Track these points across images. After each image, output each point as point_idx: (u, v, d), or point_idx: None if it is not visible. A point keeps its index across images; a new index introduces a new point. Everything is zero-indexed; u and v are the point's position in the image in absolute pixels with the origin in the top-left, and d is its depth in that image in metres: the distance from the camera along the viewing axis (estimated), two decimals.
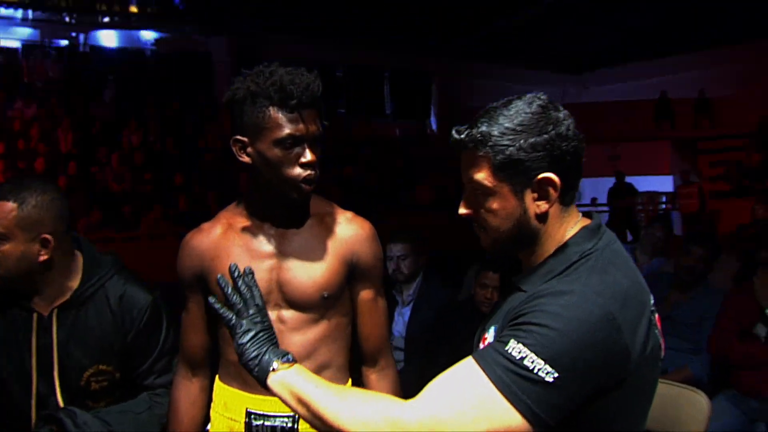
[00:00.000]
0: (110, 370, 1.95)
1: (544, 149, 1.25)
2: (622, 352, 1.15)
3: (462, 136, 1.31)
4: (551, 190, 1.28)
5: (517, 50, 17.11)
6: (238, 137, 1.64)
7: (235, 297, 1.45)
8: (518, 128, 1.25)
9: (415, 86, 18.18)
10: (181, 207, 10.61)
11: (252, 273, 1.50)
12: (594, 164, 15.57)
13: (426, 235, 4.25)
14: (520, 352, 1.11)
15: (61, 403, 1.91)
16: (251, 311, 1.43)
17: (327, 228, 1.76)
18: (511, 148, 1.25)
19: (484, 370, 1.13)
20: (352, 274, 1.78)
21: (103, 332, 1.93)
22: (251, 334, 1.40)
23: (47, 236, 1.83)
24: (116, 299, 1.94)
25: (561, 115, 1.28)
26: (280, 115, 1.58)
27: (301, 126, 1.60)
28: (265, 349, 1.38)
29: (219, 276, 1.49)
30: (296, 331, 1.72)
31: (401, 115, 17.95)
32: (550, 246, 1.31)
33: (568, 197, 1.32)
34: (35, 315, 1.89)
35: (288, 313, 1.72)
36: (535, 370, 1.09)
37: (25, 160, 10.84)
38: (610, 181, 14.94)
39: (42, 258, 1.83)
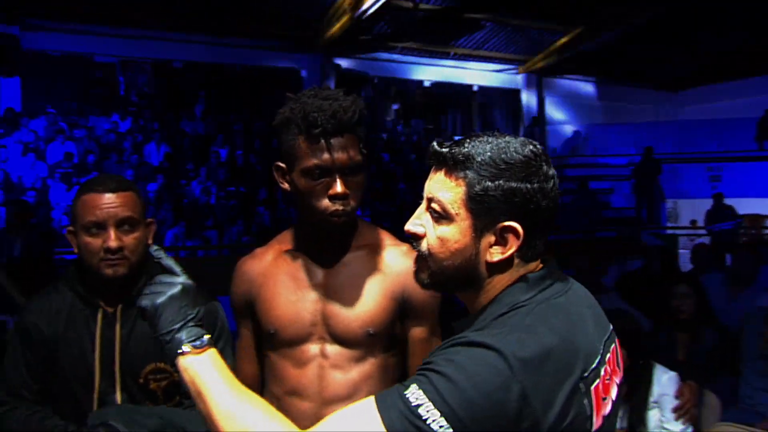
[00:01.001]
0: (168, 369, 1.90)
1: (522, 198, 1.14)
2: (525, 421, 1.03)
3: (444, 150, 1.19)
4: (512, 241, 1.16)
5: (609, 68, 16.68)
6: (279, 164, 1.62)
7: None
8: (503, 166, 1.14)
9: (504, 103, 17.93)
10: (265, 222, 10.70)
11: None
12: (692, 185, 14.94)
13: None
14: (417, 399, 1.02)
15: (120, 401, 1.89)
16: (174, 285, 1.30)
17: (378, 261, 1.70)
18: (488, 183, 1.14)
19: (380, 412, 1.04)
20: (402, 311, 1.70)
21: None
22: (170, 313, 1.27)
23: (152, 222, 1.92)
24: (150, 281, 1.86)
25: (550, 172, 1.18)
26: (307, 144, 1.53)
27: (326, 156, 1.52)
28: (177, 329, 1.25)
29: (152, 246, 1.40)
30: (338, 368, 1.66)
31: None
32: (492, 295, 1.20)
33: (529, 253, 1.19)
34: (100, 311, 1.89)
35: (332, 348, 1.66)
36: (428, 421, 1.00)
37: (119, 172, 11.19)
38: (708, 203, 14.21)
39: (149, 243, 1.88)
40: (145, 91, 14.23)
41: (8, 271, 2.21)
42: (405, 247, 1.71)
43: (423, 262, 1.22)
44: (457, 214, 1.17)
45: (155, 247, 1.38)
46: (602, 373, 1.15)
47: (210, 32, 13.76)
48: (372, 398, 1.07)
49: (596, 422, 1.12)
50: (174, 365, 1.24)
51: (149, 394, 1.90)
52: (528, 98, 17.95)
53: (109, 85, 14.08)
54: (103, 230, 1.80)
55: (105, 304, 1.90)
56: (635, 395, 3.14)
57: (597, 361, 1.14)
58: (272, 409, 1.16)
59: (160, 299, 1.28)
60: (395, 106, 16.49)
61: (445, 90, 17.11)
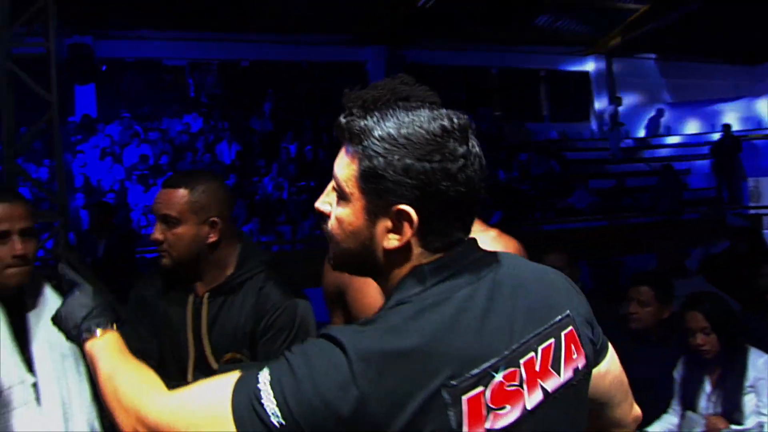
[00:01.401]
0: (242, 357, 1.94)
1: (418, 179, 1.01)
2: (363, 425, 0.92)
3: (343, 122, 1.07)
4: (406, 228, 1.04)
5: (684, 42, 16.09)
6: None
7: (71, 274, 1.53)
8: (401, 140, 1.02)
9: (574, 87, 17.47)
10: None
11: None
12: None
13: (584, 242, 4.08)
14: (264, 384, 0.96)
15: None
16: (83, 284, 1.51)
17: None
18: (380, 159, 1.02)
19: (234, 390, 0.98)
20: None
21: (241, 321, 1.95)
22: (79, 304, 1.46)
23: (215, 219, 1.93)
24: (257, 291, 1.95)
25: (460, 150, 1.03)
26: None
27: None
28: (86, 317, 1.44)
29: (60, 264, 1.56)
30: None
31: (559, 118, 17.31)
32: (393, 285, 1.09)
33: (435, 242, 1.06)
34: (191, 296, 1.99)
35: None
36: (267, 410, 0.94)
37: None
38: None
39: (211, 239, 1.93)
40: (214, 92, 14.49)
41: (93, 272, 2.24)
42: (494, 232, 1.64)
43: (329, 242, 1.13)
44: (351, 193, 1.07)
45: (61, 265, 1.55)
46: (497, 379, 1.00)
47: (275, 30, 13.90)
48: (238, 373, 1.02)
49: None
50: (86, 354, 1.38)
51: None
52: (598, 80, 17.51)
53: (180, 87, 14.40)
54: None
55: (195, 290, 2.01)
56: (729, 380, 3.01)
57: (485, 366, 0.99)
58: (147, 372, 1.21)
59: (62, 306, 1.48)
60: (462, 95, 16.34)
61: (512, 76, 16.84)
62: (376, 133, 1.04)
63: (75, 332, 1.43)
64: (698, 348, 3.05)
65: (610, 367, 1.24)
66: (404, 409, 0.93)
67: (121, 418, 1.13)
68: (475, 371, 0.97)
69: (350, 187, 1.06)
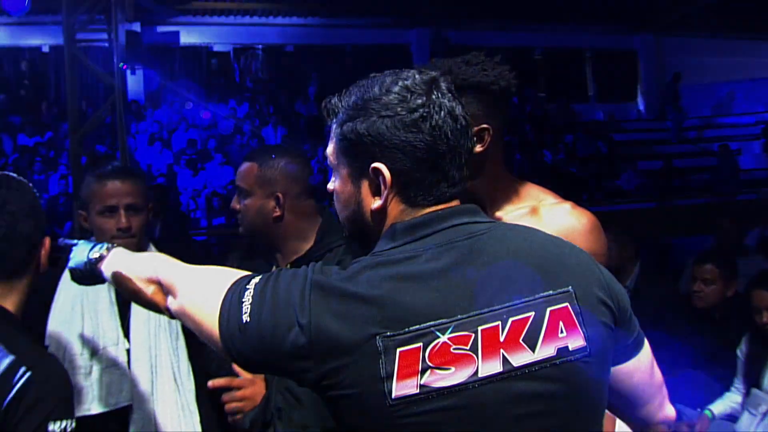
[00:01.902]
0: None
1: (380, 135, 1.08)
2: (303, 348, 1.03)
3: (322, 106, 1.20)
4: (383, 185, 1.11)
5: (730, 21, 15.67)
6: None
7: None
8: (361, 105, 1.11)
9: (621, 66, 17.17)
10: None
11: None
12: None
13: (633, 224, 4.07)
14: (251, 286, 1.11)
15: None
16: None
17: (538, 220, 1.60)
18: (347, 125, 1.12)
19: (234, 282, 1.14)
20: None
21: None
22: (85, 246, 1.59)
23: (279, 194, 1.96)
24: (337, 263, 1.95)
25: (420, 101, 1.09)
26: None
27: None
28: (96, 246, 1.57)
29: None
30: None
31: (605, 98, 17.05)
32: None
33: (418, 198, 1.11)
34: (273, 268, 2.02)
35: None
36: (243, 306, 1.09)
37: (239, 155, 11.56)
38: None
39: (275, 214, 1.96)
40: (259, 77, 14.61)
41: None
42: (569, 204, 1.63)
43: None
44: (337, 165, 1.17)
45: (61, 239, 1.70)
46: (442, 339, 1.01)
47: (319, 14, 13.95)
48: (245, 274, 1.17)
49: (398, 387, 0.99)
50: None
51: None
52: (645, 59, 17.19)
53: (225, 72, 14.55)
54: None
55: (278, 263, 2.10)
56: None
57: (428, 325, 1.01)
58: (161, 255, 1.40)
59: (70, 258, 1.61)
60: None
61: (557, 56, 16.63)
62: (344, 103, 1.15)
63: (88, 267, 1.55)
64: (764, 326, 3.03)
65: (641, 364, 1.22)
66: (340, 347, 1.01)
67: (146, 288, 1.35)
68: (415, 327, 1.01)
69: (334, 159, 1.17)
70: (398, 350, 1.00)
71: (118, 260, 1.49)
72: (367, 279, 1.04)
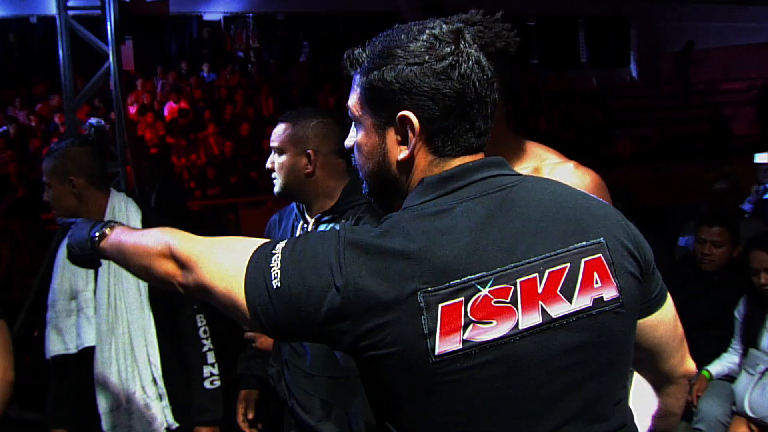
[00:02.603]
0: None
1: (408, 83, 1.06)
2: (340, 308, 1.01)
3: (345, 56, 1.16)
4: (410, 134, 1.09)
5: None
6: None
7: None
8: (388, 53, 1.09)
9: (613, 33, 17.08)
10: None
11: (122, 195, 1.81)
12: None
13: (627, 190, 4.06)
14: (277, 250, 1.09)
15: None
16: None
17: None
18: (373, 74, 1.09)
19: (258, 248, 1.12)
20: None
21: None
22: (85, 225, 1.56)
23: (311, 151, 2.10)
24: (355, 219, 2.12)
25: (449, 49, 1.07)
26: None
27: None
28: (96, 225, 1.52)
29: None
30: None
31: (598, 64, 16.98)
32: None
33: (446, 148, 1.10)
34: (301, 223, 2.22)
35: None
36: (272, 270, 1.07)
37: (232, 124, 11.51)
38: None
39: (307, 171, 2.10)
40: (250, 45, 14.46)
41: (149, 215, 2.51)
42: (572, 163, 1.63)
43: (361, 175, 1.21)
44: (360, 116, 1.14)
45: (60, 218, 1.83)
46: (483, 293, 1.00)
47: None
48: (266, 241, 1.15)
49: (441, 343, 0.99)
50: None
51: None
52: (638, 26, 17.11)
53: (216, 41, 14.39)
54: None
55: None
56: None
57: (469, 278, 1.00)
58: (174, 230, 1.31)
59: (69, 235, 1.59)
60: None
61: (550, 23, 16.52)
62: (368, 52, 1.12)
63: (88, 244, 1.51)
64: (762, 287, 3.06)
65: (665, 317, 1.23)
66: (379, 305, 0.99)
67: (158, 263, 1.26)
68: (456, 281, 1.00)
69: (358, 110, 1.14)
70: (440, 305, 0.99)
71: (124, 237, 1.42)
72: (402, 233, 1.03)
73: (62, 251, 2.34)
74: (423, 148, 1.10)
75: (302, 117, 2.14)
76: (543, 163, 1.64)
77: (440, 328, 0.99)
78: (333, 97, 12.61)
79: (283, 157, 2.12)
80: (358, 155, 1.18)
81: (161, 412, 2.36)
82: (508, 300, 1.01)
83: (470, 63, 1.07)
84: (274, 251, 1.08)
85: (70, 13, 4.51)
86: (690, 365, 1.33)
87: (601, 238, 1.09)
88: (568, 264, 1.06)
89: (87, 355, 2.34)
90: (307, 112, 2.16)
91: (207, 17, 14.37)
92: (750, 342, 3.13)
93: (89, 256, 1.55)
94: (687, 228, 4.69)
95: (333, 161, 2.15)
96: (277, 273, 1.05)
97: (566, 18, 16.80)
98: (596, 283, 1.06)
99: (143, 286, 2.35)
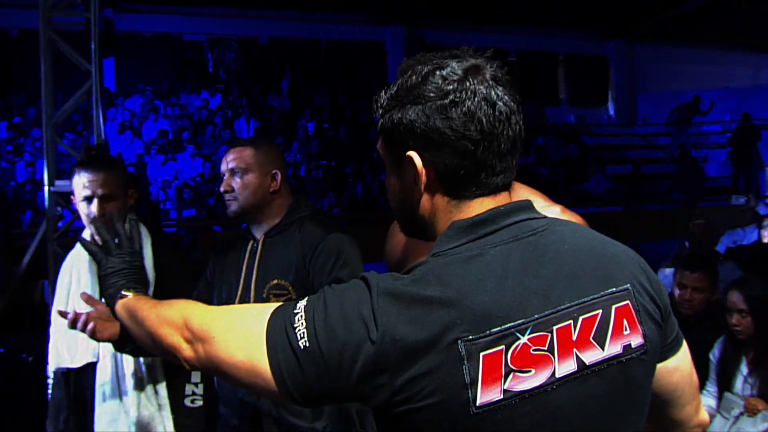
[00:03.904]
0: (287, 286, 2.25)
1: (410, 123, 1.05)
2: (376, 362, 0.96)
3: (374, 100, 1.15)
4: (415, 174, 1.07)
5: (702, 30, 15.94)
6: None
7: (107, 236, 1.60)
8: (398, 95, 1.08)
9: (592, 71, 17.36)
10: (357, 194, 10.76)
11: (136, 220, 1.63)
12: None
13: (600, 228, 4.08)
14: (299, 309, 1.04)
15: None
16: (123, 252, 1.58)
17: None
18: (386, 117, 1.09)
19: (274, 311, 1.07)
20: None
21: (288, 254, 2.27)
22: (115, 268, 1.54)
23: (277, 171, 2.29)
24: (302, 228, 2.30)
25: (451, 87, 1.04)
26: None
27: None
28: (122, 281, 1.51)
29: (95, 219, 1.72)
30: None
31: (577, 102, 17.22)
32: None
33: (458, 187, 1.08)
34: (251, 242, 2.34)
35: None
36: (296, 331, 1.01)
37: (211, 146, 11.45)
38: None
39: (273, 189, 2.28)
40: (233, 68, 14.46)
41: (158, 237, 2.57)
42: (558, 207, 1.64)
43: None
44: (384, 156, 1.15)
45: (99, 226, 1.69)
46: (522, 341, 0.98)
47: (295, 8, 13.86)
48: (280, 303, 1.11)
49: (483, 394, 0.95)
50: (113, 312, 1.51)
51: None
52: (617, 65, 17.42)
53: (199, 63, 14.37)
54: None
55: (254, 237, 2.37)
56: (766, 362, 3.05)
57: (509, 326, 0.98)
58: (189, 301, 1.26)
59: (100, 269, 1.58)
60: None
61: (530, 58, 16.75)
62: (387, 94, 1.11)
63: (112, 290, 1.52)
64: (734, 327, 3.08)
65: (680, 364, 1.21)
66: (418, 355, 0.95)
67: (166, 330, 1.22)
68: (497, 329, 0.97)
69: (382, 152, 1.15)
70: (482, 354, 0.96)
71: (140, 302, 1.39)
72: (437, 280, 0.99)
73: (66, 268, 2.51)
74: (436, 188, 1.08)
75: (262, 142, 2.35)
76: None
77: (482, 378, 0.95)
78: (312, 123, 12.63)
79: (249, 177, 2.26)
80: (389, 196, 1.18)
81: (161, 423, 2.42)
82: (545, 348, 0.99)
83: (476, 99, 1.03)
84: (296, 311, 1.04)
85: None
86: (705, 416, 1.30)
87: (628, 284, 1.08)
88: (600, 311, 1.04)
89: (89, 369, 2.43)
90: (261, 138, 2.37)
91: (190, 38, 14.36)
92: (725, 385, 3.13)
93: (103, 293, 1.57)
94: (662, 267, 4.73)
95: (286, 183, 2.36)
96: (303, 332, 1.00)
97: (546, 55, 17.05)
98: (625, 330, 1.06)
99: None
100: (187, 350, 1.16)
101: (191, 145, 11.47)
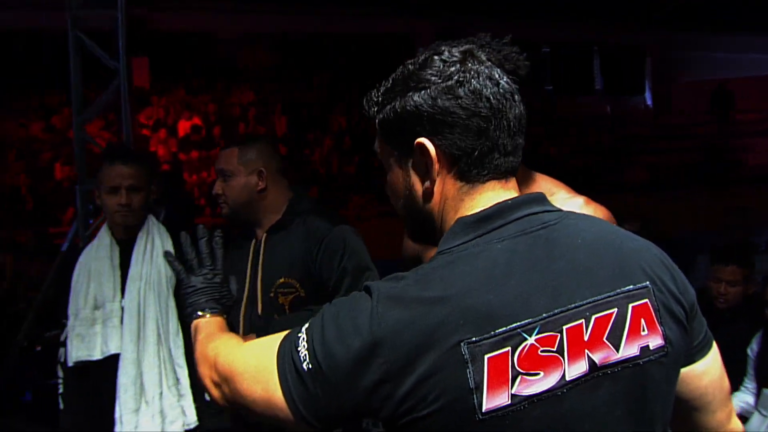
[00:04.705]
0: (295, 284, 2.27)
1: (417, 107, 1.02)
2: (376, 371, 0.92)
3: (364, 101, 1.14)
4: (429, 162, 1.03)
5: (741, 16, 15.53)
6: None
7: (191, 253, 1.52)
8: (396, 86, 1.06)
9: (628, 60, 17.04)
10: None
11: (220, 236, 1.55)
12: None
13: (639, 218, 4.01)
14: (303, 332, 1.01)
15: (260, 312, 2.33)
16: (205, 270, 1.51)
17: None
18: (386, 109, 1.06)
19: (282, 339, 1.04)
20: None
21: (293, 250, 2.28)
22: (196, 288, 1.48)
23: (262, 169, 2.31)
24: (305, 223, 2.31)
25: (453, 68, 1.02)
26: None
27: None
28: (203, 300, 1.46)
29: (182, 233, 1.57)
30: None
31: (612, 91, 16.93)
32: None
33: (471, 169, 1.03)
34: (253, 240, 2.39)
35: None
36: (300, 354, 0.98)
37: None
38: None
39: (259, 188, 2.31)
40: (265, 65, 14.51)
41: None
42: (582, 199, 1.59)
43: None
44: (384, 155, 1.11)
45: (185, 238, 1.61)
46: (529, 341, 0.93)
47: (326, 3, 13.85)
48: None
49: (489, 399, 0.90)
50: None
51: (278, 308, 2.31)
52: (654, 54, 17.08)
53: (231, 60, 14.45)
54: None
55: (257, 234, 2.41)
56: None
57: (515, 326, 0.92)
58: (235, 336, 1.30)
59: (183, 285, 1.52)
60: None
61: (564, 50, 16.50)
62: (382, 89, 1.09)
63: (190, 310, 1.48)
64: None
65: (710, 367, 1.14)
66: (419, 360, 0.90)
67: (203, 369, 1.21)
68: (502, 330, 0.92)
69: (381, 150, 1.12)
70: (486, 357, 0.91)
71: (200, 333, 1.38)
72: (440, 279, 0.95)
73: (81, 265, 2.58)
74: (447, 175, 1.04)
75: (247, 141, 2.37)
76: (552, 198, 1.57)
77: (487, 382, 0.91)
78: (344, 118, 12.63)
79: (234, 179, 2.30)
80: (390, 196, 1.13)
81: (182, 413, 2.48)
82: (554, 349, 0.94)
83: (480, 78, 1.02)
84: (300, 334, 1.01)
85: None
86: (737, 425, 1.23)
87: (647, 282, 1.02)
88: (615, 309, 0.99)
89: (109, 361, 2.50)
90: (249, 136, 2.38)
91: (223, 35, 14.45)
92: (763, 381, 3.04)
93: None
94: (700, 260, 4.63)
95: (279, 179, 2.37)
96: (305, 355, 0.97)
97: (581, 45, 16.78)
98: (643, 330, 1.00)
99: (170, 294, 2.53)
100: (215, 391, 1.16)
101: (223, 141, 11.53)
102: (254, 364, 1.06)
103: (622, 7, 14.88)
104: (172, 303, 2.53)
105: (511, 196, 1.04)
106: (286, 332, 1.06)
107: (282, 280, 2.27)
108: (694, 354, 1.11)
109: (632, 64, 17.13)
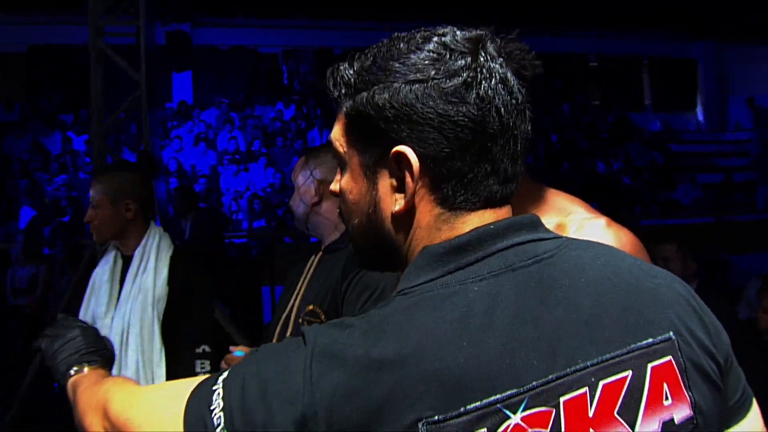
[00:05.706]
0: (320, 314, 2.04)
1: (406, 106, 0.76)
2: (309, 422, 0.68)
3: (327, 73, 0.85)
4: (407, 176, 0.77)
5: None
6: None
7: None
8: (381, 68, 0.79)
9: (679, 75, 16.58)
10: None
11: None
12: None
13: (688, 239, 3.74)
14: (219, 386, 0.75)
15: (288, 336, 2.18)
16: (75, 331, 1.27)
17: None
18: (361, 96, 0.79)
19: (196, 388, 0.78)
20: None
21: (330, 277, 2.05)
22: (64, 342, 1.25)
23: (317, 180, 2.08)
24: (351, 253, 1.98)
25: (463, 62, 0.77)
26: None
27: None
28: (76, 356, 1.22)
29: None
30: None
31: (662, 107, 16.48)
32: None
33: (458, 194, 0.78)
34: (312, 256, 2.19)
35: None
36: (213, 416, 0.73)
37: (284, 157, 11.53)
38: None
39: (314, 201, 2.10)
40: (308, 79, 14.54)
41: (181, 252, 2.53)
42: (604, 219, 1.36)
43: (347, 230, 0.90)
44: (345, 152, 0.84)
45: (60, 315, 1.44)
46: (513, 421, 0.69)
47: (367, 17, 13.82)
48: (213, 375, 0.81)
49: None
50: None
51: None
52: (706, 68, 16.59)
53: (274, 74, 14.53)
54: None
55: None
56: None
57: (494, 399, 0.68)
58: (125, 380, 1.02)
59: (51, 347, 1.27)
60: (558, 83, 15.79)
61: (612, 63, 16.15)
62: (357, 67, 0.82)
63: (63, 368, 1.22)
64: None
65: (751, 429, 0.88)
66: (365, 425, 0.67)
67: (89, 419, 0.95)
68: (476, 405, 0.68)
69: (342, 146, 0.85)
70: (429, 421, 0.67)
71: (84, 384, 1.11)
72: (395, 331, 0.71)
73: (92, 278, 2.52)
74: (427, 196, 0.80)
75: (314, 150, 2.19)
76: (568, 218, 1.36)
77: None
78: None
79: (298, 189, 2.16)
80: (342, 204, 0.88)
81: None
82: (547, 430, 0.70)
83: (493, 82, 0.78)
84: (215, 386, 0.76)
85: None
86: None
87: (671, 333, 0.78)
88: (629, 372, 0.75)
89: None
90: (320, 146, 2.20)
91: (265, 50, 14.53)
92: None
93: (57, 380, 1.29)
94: (751, 286, 4.33)
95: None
96: (219, 417, 0.73)
97: (630, 59, 16.40)
98: (666, 399, 0.76)
99: (157, 320, 2.38)
100: None
101: (263, 157, 11.54)
102: (156, 416, 0.81)
103: (674, 19, 14.53)
104: (157, 326, 2.37)
105: (495, 220, 0.81)
106: (198, 379, 0.81)
107: (311, 307, 2.04)
108: (730, 418, 0.86)
109: (683, 79, 16.67)
